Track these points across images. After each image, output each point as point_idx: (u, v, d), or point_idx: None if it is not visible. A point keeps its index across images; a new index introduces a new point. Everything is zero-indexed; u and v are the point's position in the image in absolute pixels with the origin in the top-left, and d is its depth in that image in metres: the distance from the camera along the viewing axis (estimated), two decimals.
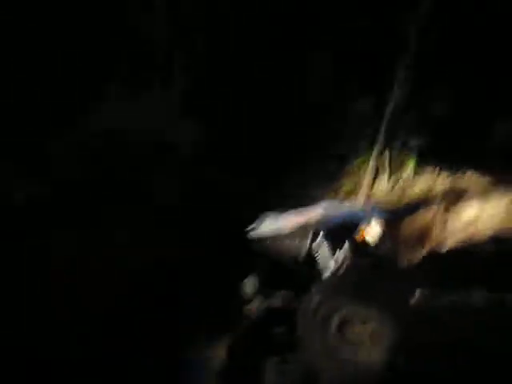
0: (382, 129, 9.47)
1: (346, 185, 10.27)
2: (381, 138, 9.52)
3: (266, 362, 5.11)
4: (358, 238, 5.16)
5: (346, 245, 5.11)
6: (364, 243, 5.16)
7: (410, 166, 10.11)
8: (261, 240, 5.39)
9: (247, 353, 5.13)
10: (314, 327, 4.62)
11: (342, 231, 5.17)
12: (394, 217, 5.88)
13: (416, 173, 10.11)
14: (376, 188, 10.02)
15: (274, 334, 5.57)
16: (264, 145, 10.22)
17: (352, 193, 10.02)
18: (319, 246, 5.13)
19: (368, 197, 9.61)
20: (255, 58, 10.53)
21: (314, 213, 5.31)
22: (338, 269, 5.09)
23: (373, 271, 4.90)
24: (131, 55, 9.98)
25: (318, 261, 5.12)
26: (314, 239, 5.16)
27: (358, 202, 7.39)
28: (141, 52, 10.05)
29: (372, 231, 5.17)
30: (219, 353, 5.24)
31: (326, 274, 5.05)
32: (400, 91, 9.40)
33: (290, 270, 5.25)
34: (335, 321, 4.57)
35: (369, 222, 5.20)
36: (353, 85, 10.45)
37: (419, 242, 8.43)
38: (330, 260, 5.09)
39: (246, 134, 10.26)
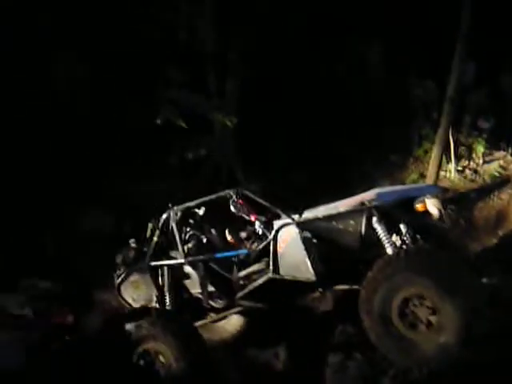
0: (445, 111, 8.84)
1: (412, 174, 9.78)
2: (444, 121, 8.89)
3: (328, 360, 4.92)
4: (418, 208, 4.77)
5: (406, 219, 4.78)
6: (425, 214, 4.76)
7: (479, 150, 9.48)
8: (315, 220, 5.02)
9: None
10: (376, 310, 4.35)
11: (398, 207, 4.82)
12: (457, 196, 5.39)
13: (486, 156, 9.48)
14: (443, 176, 9.46)
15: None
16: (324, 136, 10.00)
17: (417, 182, 9.51)
18: (376, 223, 4.77)
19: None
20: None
21: (367, 194, 5.00)
22: (400, 247, 4.75)
23: (439, 253, 4.45)
24: None
25: (378, 238, 4.76)
26: (369, 217, 4.80)
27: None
28: None
29: (432, 203, 4.75)
30: None
31: (388, 251, 4.66)
32: (463, 68, 8.75)
33: (346, 250, 4.93)
34: (398, 299, 4.27)
35: (428, 195, 4.81)
36: (412, 68, 9.99)
37: (495, 226, 7.85)
38: (389, 237, 4.74)
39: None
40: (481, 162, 9.44)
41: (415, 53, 9.81)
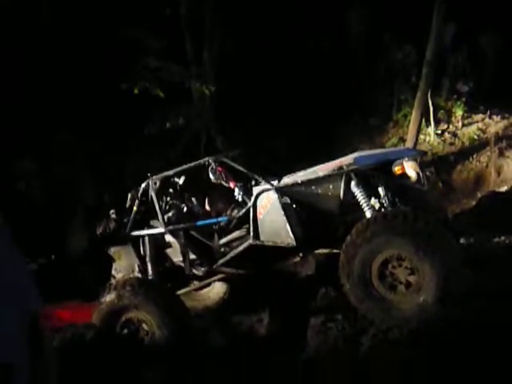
0: (424, 75, 8.80)
1: (392, 138, 9.80)
2: (423, 85, 8.86)
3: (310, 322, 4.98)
4: (396, 171, 4.78)
5: (384, 182, 4.79)
6: (403, 177, 4.79)
7: (458, 113, 9.51)
8: (294, 185, 5.03)
9: None
10: (356, 273, 4.40)
11: (376, 171, 4.84)
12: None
13: (465, 119, 9.52)
14: (423, 140, 9.49)
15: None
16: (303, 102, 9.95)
17: (397, 146, 9.53)
18: (355, 187, 4.79)
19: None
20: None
21: (346, 159, 5.00)
22: (379, 210, 4.75)
23: (416, 214, 4.37)
24: None
25: (357, 202, 4.77)
26: (348, 181, 4.82)
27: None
28: None
29: (410, 166, 4.77)
30: None
31: (367, 215, 4.67)
32: (442, 30, 8.68)
33: (325, 214, 4.92)
34: (377, 261, 4.33)
35: (406, 158, 4.81)
36: (391, 32, 9.93)
37: (473, 188, 7.94)
38: (368, 200, 4.75)
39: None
40: (460, 125, 9.49)
41: (394, 16, 9.72)
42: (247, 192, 5.34)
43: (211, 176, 5.45)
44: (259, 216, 5.05)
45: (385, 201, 4.81)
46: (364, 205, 4.74)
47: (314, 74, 10.37)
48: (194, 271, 5.58)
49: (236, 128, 10.33)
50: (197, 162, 5.53)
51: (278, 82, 10.25)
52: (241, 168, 5.32)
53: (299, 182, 5.02)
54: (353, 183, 4.81)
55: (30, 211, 8.07)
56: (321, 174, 4.94)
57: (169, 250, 5.64)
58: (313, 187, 4.96)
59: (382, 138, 9.82)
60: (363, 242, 4.35)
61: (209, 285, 6.02)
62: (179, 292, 5.61)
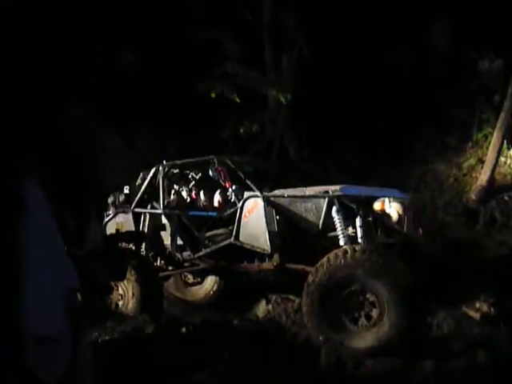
0: (509, 95, 8.40)
1: (470, 159, 9.42)
2: (507, 105, 8.47)
3: None
4: (376, 207, 5.02)
5: (363, 215, 4.97)
6: (383, 215, 5.02)
7: None
8: (281, 198, 5.37)
9: None
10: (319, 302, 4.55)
11: (359, 203, 5.03)
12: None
13: None
14: (503, 162, 9.06)
15: None
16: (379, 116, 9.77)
17: (475, 168, 9.17)
18: (335, 212, 4.99)
19: (492, 173, 8.65)
20: None
21: (334, 186, 5.25)
22: (351, 240, 4.90)
23: (382, 253, 4.53)
24: None
25: (335, 227, 4.96)
26: (330, 206, 5.04)
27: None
28: None
29: (393, 206, 5.01)
30: None
31: (340, 242, 4.84)
32: None
33: (305, 231, 5.21)
34: (340, 294, 4.50)
35: (391, 198, 5.08)
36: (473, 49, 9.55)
37: None
38: (344, 228, 4.94)
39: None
40: None
41: (480, 31, 9.37)
42: (239, 194, 5.71)
43: (210, 172, 6.08)
44: (244, 219, 5.43)
45: (360, 232, 4.91)
46: (340, 232, 4.90)
47: (391, 88, 10.14)
48: (178, 256, 5.97)
49: (309, 138, 10.30)
50: (203, 158, 6.12)
51: (355, 95, 10.10)
52: (239, 172, 5.77)
53: (285, 195, 5.34)
54: (334, 208, 4.99)
55: None
56: (307, 193, 5.24)
57: (163, 233, 6.09)
58: (297, 204, 5.27)
59: (459, 159, 9.37)
60: (327, 275, 4.48)
61: (201, 282, 6.55)
62: (161, 274, 6.11)
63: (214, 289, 6.57)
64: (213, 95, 9.82)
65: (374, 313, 4.36)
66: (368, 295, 4.39)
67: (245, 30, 10.12)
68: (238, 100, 9.96)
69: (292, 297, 6.22)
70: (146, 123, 10.00)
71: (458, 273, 5.81)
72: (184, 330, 5.46)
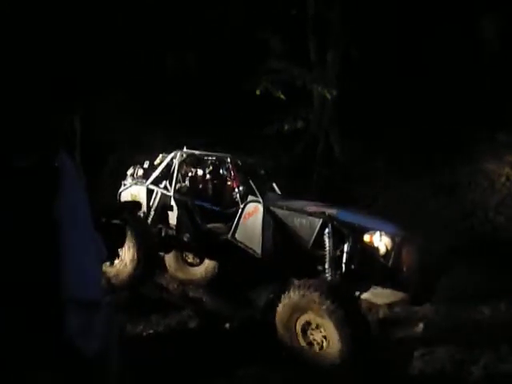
0: None
1: None
2: None
3: None
4: (365, 239, 5.07)
5: (351, 242, 5.04)
6: (371, 248, 5.05)
7: None
8: (281, 208, 5.60)
9: None
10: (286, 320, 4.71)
11: (352, 230, 5.10)
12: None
13: None
14: None
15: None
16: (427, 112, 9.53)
17: None
18: (327, 234, 5.12)
19: None
20: None
21: (332, 209, 5.38)
22: (337, 263, 5.01)
23: (339, 287, 4.72)
24: None
25: (324, 247, 5.10)
26: (323, 226, 5.20)
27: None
28: None
29: (383, 240, 5.03)
30: None
31: (326, 265, 5.01)
32: None
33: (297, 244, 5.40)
34: (301, 320, 4.64)
35: (381, 231, 5.07)
36: None
37: None
38: (333, 251, 5.04)
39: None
40: None
41: None
42: (244, 196, 5.94)
43: (221, 170, 6.61)
44: (243, 220, 5.78)
45: (344, 259, 5.01)
46: (327, 254, 5.04)
47: (440, 84, 9.87)
48: (182, 237, 6.35)
49: (355, 135, 10.13)
50: (218, 154, 6.51)
51: (402, 91, 9.89)
52: (247, 176, 6.02)
53: (284, 207, 5.59)
54: (326, 230, 5.14)
55: None
56: (305, 209, 5.48)
57: (170, 213, 6.43)
58: (294, 217, 5.49)
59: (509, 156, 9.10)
60: (292, 301, 4.62)
61: (200, 262, 6.82)
62: (161, 252, 6.65)
63: (213, 269, 6.75)
64: (257, 92, 9.79)
65: (325, 344, 4.52)
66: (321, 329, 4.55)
67: (289, 26, 10.05)
68: (282, 97, 9.90)
69: None
70: (190, 121, 10.05)
71: None
72: (227, 325, 5.49)
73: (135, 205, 6.41)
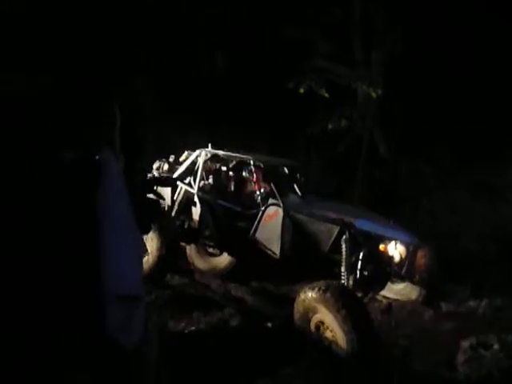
0: None
1: None
2: None
3: None
4: (381, 247, 5.25)
5: (367, 250, 5.22)
6: (386, 256, 5.24)
7: None
8: (301, 212, 5.74)
9: None
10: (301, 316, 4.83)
11: (368, 238, 5.29)
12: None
13: None
14: None
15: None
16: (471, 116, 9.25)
17: None
18: (344, 241, 5.25)
19: None
20: None
21: (349, 217, 5.48)
22: (352, 269, 5.17)
23: (346, 293, 4.73)
24: None
25: (341, 252, 5.24)
26: (341, 233, 5.34)
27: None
28: None
29: (398, 249, 5.24)
30: None
31: (341, 269, 5.16)
32: None
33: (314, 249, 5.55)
34: (313, 321, 4.76)
35: (396, 240, 5.27)
36: None
37: None
38: (348, 257, 5.18)
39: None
40: None
41: None
42: (265, 198, 6.12)
43: (243, 172, 6.69)
44: (263, 222, 5.97)
45: (359, 265, 5.18)
46: (343, 260, 5.17)
47: (484, 86, 9.57)
48: (204, 231, 6.54)
49: (399, 134, 9.94)
50: (242, 156, 6.54)
51: (447, 92, 9.63)
52: (269, 178, 6.16)
53: (304, 212, 5.72)
54: (344, 237, 5.28)
55: None
56: (324, 215, 5.60)
57: (193, 208, 6.63)
58: (313, 223, 5.63)
59: None
60: (304, 303, 4.75)
61: (220, 253, 6.91)
62: (181, 243, 6.88)
63: (232, 261, 6.86)
64: (301, 91, 9.74)
65: (334, 345, 4.59)
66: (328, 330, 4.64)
67: (334, 25, 9.96)
68: (326, 95, 9.82)
69: None
70: (234, 121, 10.10)
71: None
72: (269, 324, 5.48)
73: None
